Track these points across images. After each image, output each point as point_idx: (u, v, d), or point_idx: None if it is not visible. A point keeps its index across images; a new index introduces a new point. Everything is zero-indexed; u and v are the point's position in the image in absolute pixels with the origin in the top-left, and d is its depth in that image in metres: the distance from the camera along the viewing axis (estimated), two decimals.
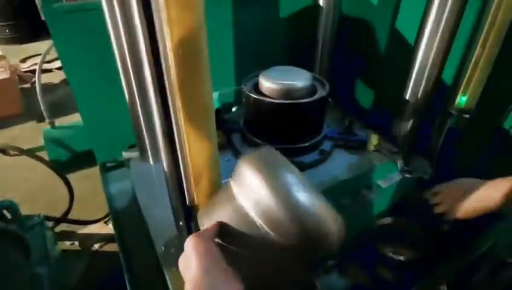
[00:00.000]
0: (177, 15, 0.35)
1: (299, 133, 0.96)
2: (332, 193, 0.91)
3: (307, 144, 0.96)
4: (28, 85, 3.23)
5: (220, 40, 1.19)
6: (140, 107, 0.52)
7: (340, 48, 1.31)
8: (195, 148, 0.46)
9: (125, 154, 1.10)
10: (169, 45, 0.37)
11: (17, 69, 3.35)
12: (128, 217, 0.97)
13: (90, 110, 1.06)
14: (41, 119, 2.35)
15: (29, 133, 2.57)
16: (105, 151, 1.15)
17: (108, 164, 1.17)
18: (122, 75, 0.49)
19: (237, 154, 1.00)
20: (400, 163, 1.01)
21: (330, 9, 1.19)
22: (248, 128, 1.01)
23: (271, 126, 0.95)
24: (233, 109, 1.43)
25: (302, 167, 0.95)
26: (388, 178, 1.00)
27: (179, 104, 0.41)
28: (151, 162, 0.61)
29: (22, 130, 2.65)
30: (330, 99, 1.29)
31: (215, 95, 1.46)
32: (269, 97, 0.91)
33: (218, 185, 0.52)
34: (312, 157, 0.97)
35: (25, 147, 2.42)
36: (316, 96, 0.92)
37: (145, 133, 0.55)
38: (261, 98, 0.90)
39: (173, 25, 0.36)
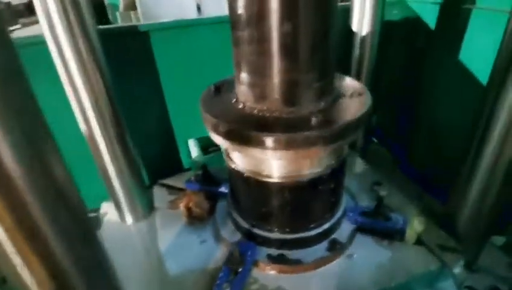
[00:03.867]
0: None
1: (298, 216, 0.65)
2: None
3: (312, 234, 0.66)
4: None
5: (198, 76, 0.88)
6: None
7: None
8: None
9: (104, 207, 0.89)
10: None
11: None
12: None
13: None
14: None
15: None
16: None
17: None
18: None
19: (217, 236, 0.73)
20: (458, 271, 0.65)
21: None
22: (234, 202, 0.73)
23: (259, 207, 0.66)
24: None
25: (295, 269, 0.65)
26: None
27: None
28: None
29: None
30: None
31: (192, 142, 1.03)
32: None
33: None
34: (315, 252, 0.66)
35: None
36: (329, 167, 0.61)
37: None
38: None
39: None
